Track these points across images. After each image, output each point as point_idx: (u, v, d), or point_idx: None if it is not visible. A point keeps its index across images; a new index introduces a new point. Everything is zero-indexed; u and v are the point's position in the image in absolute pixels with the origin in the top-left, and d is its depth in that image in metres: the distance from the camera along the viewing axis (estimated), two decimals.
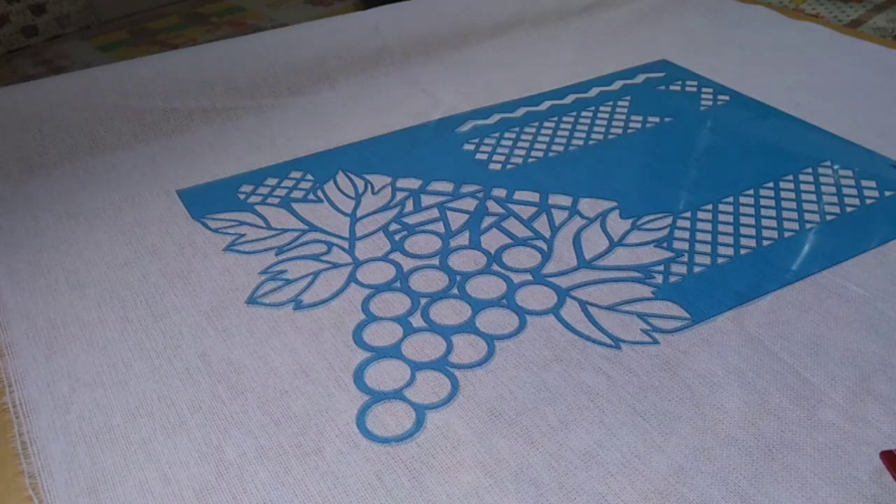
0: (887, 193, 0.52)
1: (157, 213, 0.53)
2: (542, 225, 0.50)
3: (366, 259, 0.48)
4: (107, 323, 0.44)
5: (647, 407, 0.37)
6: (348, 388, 0.38)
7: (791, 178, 0.54)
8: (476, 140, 0.61)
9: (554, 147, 0.59)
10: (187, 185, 0.57)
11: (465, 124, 0.63)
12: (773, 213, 0.50)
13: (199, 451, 0.35)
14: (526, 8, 0.80)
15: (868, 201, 0.51)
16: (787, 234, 0.48)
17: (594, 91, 0.68)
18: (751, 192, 0.52)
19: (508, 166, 0.57)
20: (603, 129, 0.62)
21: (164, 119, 0.65)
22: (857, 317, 0.41)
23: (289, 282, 0.46)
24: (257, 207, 0.53)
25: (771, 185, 0.53)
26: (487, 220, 0.51)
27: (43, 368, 0.41)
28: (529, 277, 0.45)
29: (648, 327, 0.41)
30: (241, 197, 0.55)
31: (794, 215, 0.50)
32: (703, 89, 0.67)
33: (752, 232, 0.48)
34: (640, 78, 0.70)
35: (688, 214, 0.50)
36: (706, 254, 0.46)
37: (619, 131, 0.61)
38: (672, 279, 0.45)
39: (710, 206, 0.51)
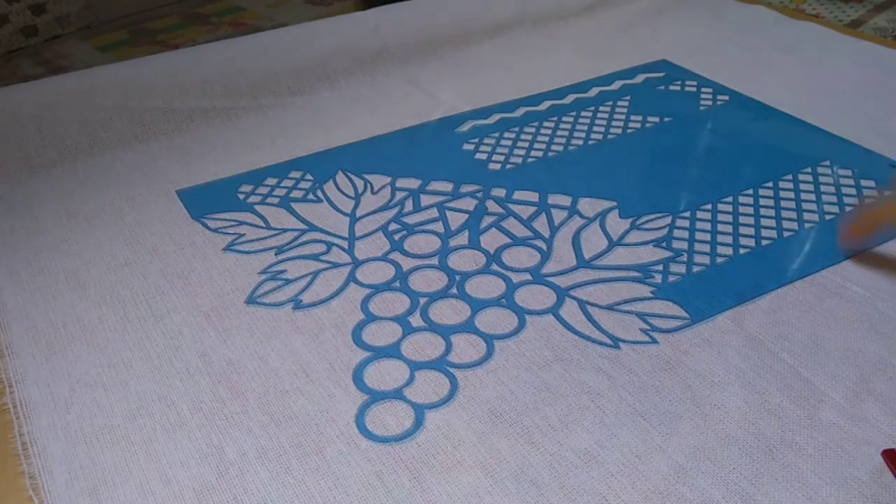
0: (887, 193, 0.51)
1: (157, 213, 0.53)
2: (541, 225, 0.50)
3: (365, 259, 0.48)
4: (107, 323, 0.44)
5: (647, 407, 0.37)
6: (348, 388, 0.38)
7: (790, 177, 0.54)
8: (476, 140, 0.61)
9: (553, 147, 0.59)
10: (187, 185, 0.57)
11: (464, 124, 0.63)
12: (772, 212, 0.50)
13: (199, 451, 0.35)
14: (526, 8, 0.80)
15: (868, 201, 0.51)
16: (786, 234, 0.48)
17: (594, 91, 0.68)
18: (750, 191, 0.52)
19: (508, 166, 0.57)
20: (602, 129, 0.61)
21: (164, 119, 0.65)
22: (858, 317, 0.41)
23: (288, 282, 0.46)
24: (257, 207, 0.53)
25: (770, 184, 0.53)
26: (487, 220, 0.51)
27: (43, 369, 0.41)
28: (529, 277, 0.45)
29: (648, 327, 0.41)
30: (241, 197, 0.55)
31: (794, 215, 0.50)
32: (703, 89, 0.67)
33: (752, 232, 0.48)
34: (640, 78, 0.70)
35: (687, 214, 0.50)
36: (705, 253, 0.47)
37: (619, 131, 0.61)
38: (671, 279, 0.45)
39: (709, 206, 0.51)
